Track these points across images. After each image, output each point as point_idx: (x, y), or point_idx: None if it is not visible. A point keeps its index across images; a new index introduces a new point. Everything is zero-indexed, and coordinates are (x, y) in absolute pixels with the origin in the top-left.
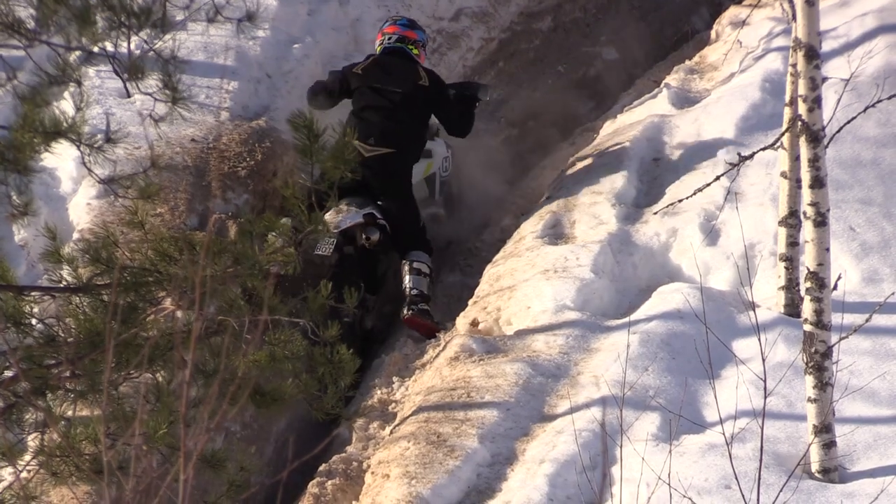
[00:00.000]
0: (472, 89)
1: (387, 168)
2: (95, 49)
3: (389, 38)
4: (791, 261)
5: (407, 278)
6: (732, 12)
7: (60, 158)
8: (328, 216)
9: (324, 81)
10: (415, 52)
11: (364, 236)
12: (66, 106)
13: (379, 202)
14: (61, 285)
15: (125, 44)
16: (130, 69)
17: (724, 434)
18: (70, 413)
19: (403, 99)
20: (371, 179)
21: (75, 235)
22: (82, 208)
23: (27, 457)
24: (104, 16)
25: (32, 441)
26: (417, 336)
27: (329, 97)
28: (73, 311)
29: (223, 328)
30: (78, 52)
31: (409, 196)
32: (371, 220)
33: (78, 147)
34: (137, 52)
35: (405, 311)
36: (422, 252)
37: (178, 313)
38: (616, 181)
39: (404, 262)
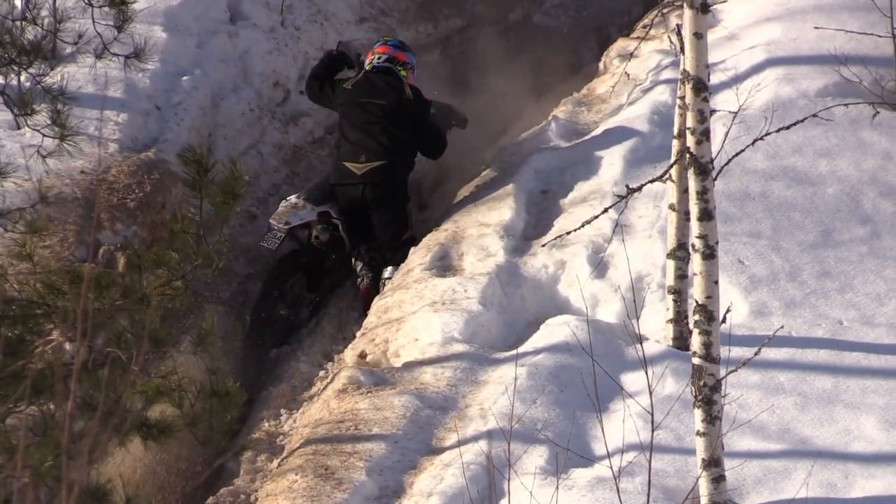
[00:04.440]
0: (452, 117)
1: (380, 180)
2: None
3: (379, 58)
4: (680, 293)
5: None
6: (620, 45)
7: None
8: (280, 209)
9: (317, 69)
10: (402, 72)
11: (314, 235)
12: None
13: (370, 214)
14: None
15: (15, 77)
16: (20, 103)
17: (612, 468)
18: None
19: (390, 111)
20: (367, 195)
21: None
22: None
23: None
24: None
25: None
26: (305, 368)
27: (320, 85)
28: None
29: (110, 360)
30: None
31: (400, 209)
32: (325, 219)
33: None
34: (27, 84)
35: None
36: (395, 268)
37: (66, 345)
38: (504, 213)
39: (380, 281)
